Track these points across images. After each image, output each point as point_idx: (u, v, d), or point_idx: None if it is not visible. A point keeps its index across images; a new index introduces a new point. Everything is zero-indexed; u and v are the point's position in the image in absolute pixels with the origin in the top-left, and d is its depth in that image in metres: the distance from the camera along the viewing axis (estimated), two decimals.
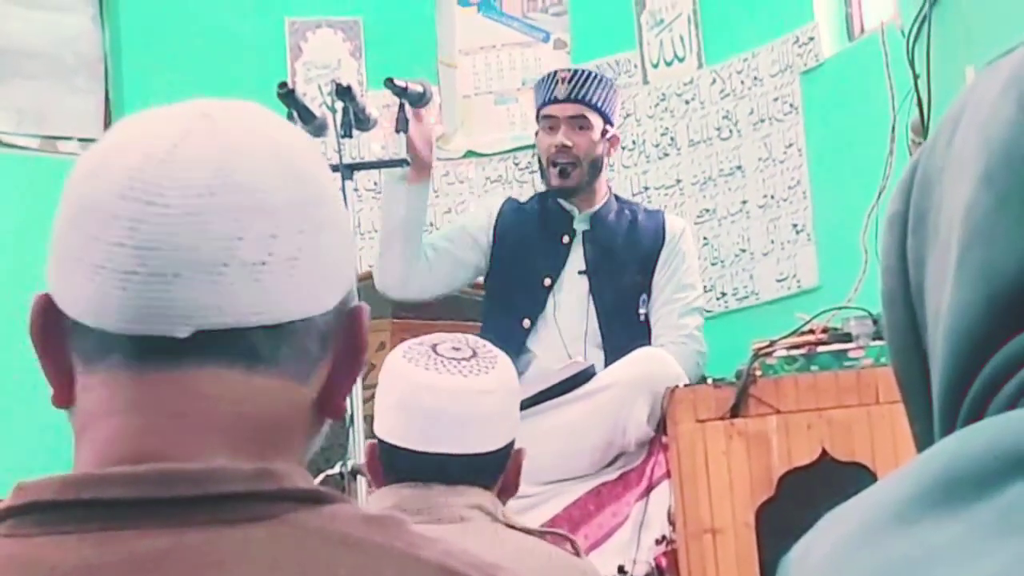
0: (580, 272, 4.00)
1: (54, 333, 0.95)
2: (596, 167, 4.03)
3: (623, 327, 3.94)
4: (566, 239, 4.03)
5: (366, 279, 4.37)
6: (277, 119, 1.01)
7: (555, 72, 4.09)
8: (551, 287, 3.99)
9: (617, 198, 4.17)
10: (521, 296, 4.00)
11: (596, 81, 4.05)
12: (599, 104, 4.02)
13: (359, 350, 0.99)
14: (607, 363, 3.83)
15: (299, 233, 0.93)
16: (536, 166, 4.39)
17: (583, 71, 4.13)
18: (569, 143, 3.96)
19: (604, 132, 4.03)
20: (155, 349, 0.92)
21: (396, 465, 2.01)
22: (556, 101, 4.00)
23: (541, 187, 4.23)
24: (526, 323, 3.94)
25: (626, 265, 4.00)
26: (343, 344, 0.98)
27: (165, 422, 0.93)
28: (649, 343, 3.92)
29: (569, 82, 4.00)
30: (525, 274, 4.01)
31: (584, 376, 3.74)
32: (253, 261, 0.92)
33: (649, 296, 4.00)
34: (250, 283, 0.92)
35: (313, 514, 0.93)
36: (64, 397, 0.96)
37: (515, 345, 3.77)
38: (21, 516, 0.92)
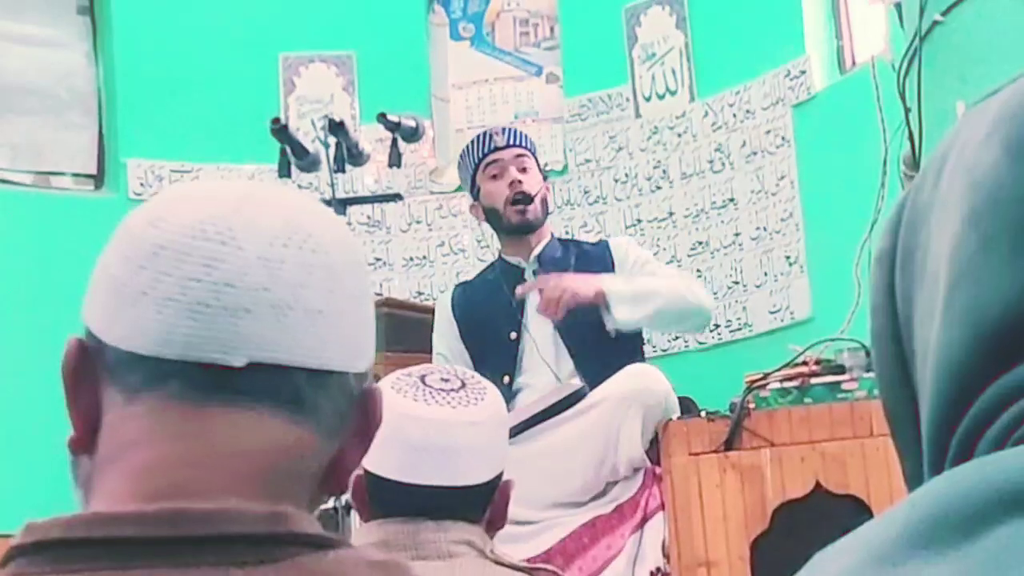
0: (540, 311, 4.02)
1: (88, 376, 0.99)
2: (546, 205, 4.16)
3: (597, 348, 3.96)
4: (519, 290, 4.07)
5: None
6: (312, 201, 1.09)
7: (485, 131, 4.25)
8: (517, 339, 4.06)
9: (559, 240, 4.27)
10: (493, 357, 4.04)
11: (524, 133, 4.29)
12: (533, 151, 4.21)
13: (372, 427, 1.05)
14: (592, 386, 3.85)
15: (350, 295, 1.02)
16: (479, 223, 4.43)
17: (511, 127, 4.38)
18: (522, 179, 4.08)
19: (542, 174, 4.22)
20: (210, 382, 0.97)
21: (383, 497, 1.98)
22: (497, 149, 4.12)
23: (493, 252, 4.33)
24: (506, 380, 3.97)
25: None
26: (359, 419, 1.04)
27: (200, 456, 0.96)
28: (626, 357, 3.93)
29: (503, 133, 4.18)
30: (491, 337, 4.08)
31: (576, 397, 3.76)
32: (315, 308, 0.99)
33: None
34: (309, 328, 0.98)
35: (319, 559, 0.94)
36: (86, 441, 0.99)
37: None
38: (30, 555, 0.92)
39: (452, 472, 1.96)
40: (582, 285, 3.90)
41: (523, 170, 4.11)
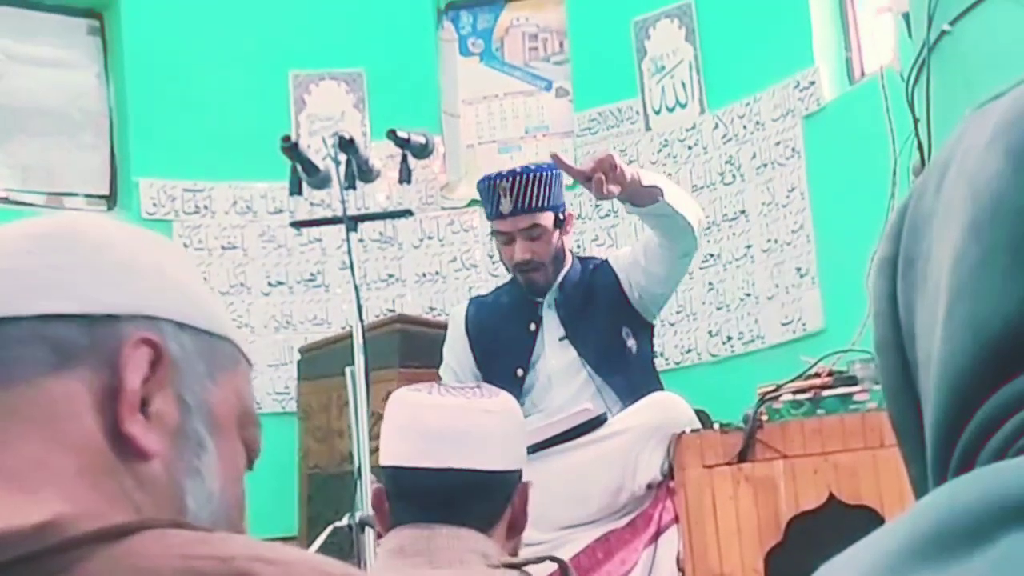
0: (561, 339, 4.01)
1: None
2: (559, 259, 4.02)
3: (618, 369, 3.95)
4: (532, 326, 4.04)
5: (373, 329, 4.36)
6: None
7: (494, 183, 3.96)
8: (523, 377, 4.01)
9: (579, 259, 4.17)
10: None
11: (536, 180, 3.94)
12: (545, 203, 3.95)
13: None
14: (613, 412, 3.84)
15: None
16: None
17: (522, 176, 3.95)
18: (528, 256, 3.95)
19: (558, 219, 3.99)
20: None
21: (402, 488, 2.01)
22: (503, 216, 3.95)
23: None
24: None
25: (598, 313, 4.01)
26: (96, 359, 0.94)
27: None
28: (645, 378, 3.93)
29: (511, 193, 3.92)
30: (499, 370, 4.01)
31: (596, 422, 3.74)
32: None
33: (631, 328, 4.01)
34: None
35: (106, 558, 0.85)
36: None
37: None
38: None
39: (467, 455, 2.00)
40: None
41: (532, 238, 3.94)
